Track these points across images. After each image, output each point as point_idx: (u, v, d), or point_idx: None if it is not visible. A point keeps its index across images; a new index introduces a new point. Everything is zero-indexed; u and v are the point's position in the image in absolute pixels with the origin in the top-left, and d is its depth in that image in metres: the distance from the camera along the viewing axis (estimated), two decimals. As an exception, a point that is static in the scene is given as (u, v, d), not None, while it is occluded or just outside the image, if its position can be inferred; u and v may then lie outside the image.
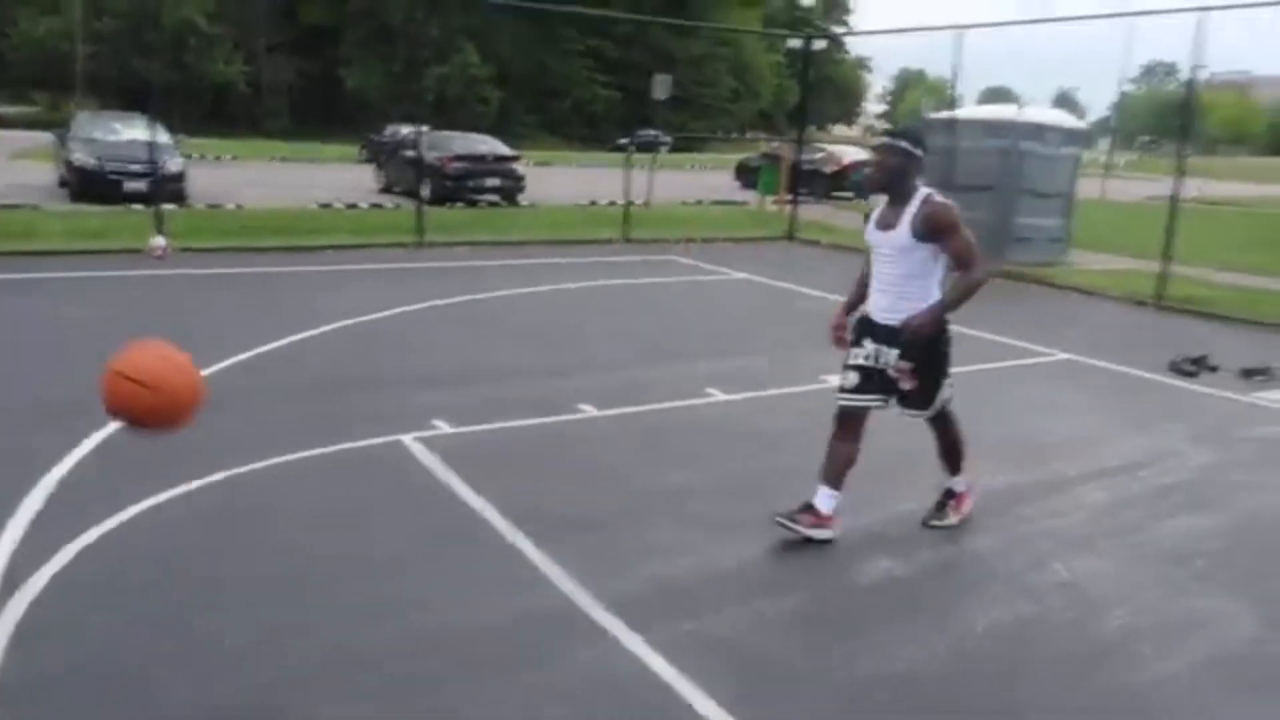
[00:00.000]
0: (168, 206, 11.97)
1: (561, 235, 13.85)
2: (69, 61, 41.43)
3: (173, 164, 14.84)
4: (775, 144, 26.39)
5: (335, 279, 9.83)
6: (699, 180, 27.61)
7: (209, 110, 44.59)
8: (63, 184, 16.28)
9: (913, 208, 3.75)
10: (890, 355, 3.85)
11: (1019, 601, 3.59)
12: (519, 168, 19.00)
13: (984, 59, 14.72)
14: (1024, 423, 5.89)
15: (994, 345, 7.85)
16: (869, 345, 3.90)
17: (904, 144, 3.77)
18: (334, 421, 5.13)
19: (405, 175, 17.62)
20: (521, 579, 3.54)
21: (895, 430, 4.24)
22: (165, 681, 2.82)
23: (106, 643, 2.99)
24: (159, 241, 10.48)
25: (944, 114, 13.55)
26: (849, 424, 3.95)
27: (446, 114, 38.80)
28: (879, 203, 3.94)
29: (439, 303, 8.56)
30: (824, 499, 3.92)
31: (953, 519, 4.18)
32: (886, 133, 3.90)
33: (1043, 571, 3.83)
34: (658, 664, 3.02)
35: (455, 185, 17.60)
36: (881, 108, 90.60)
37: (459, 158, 18.01)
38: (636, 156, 16.19)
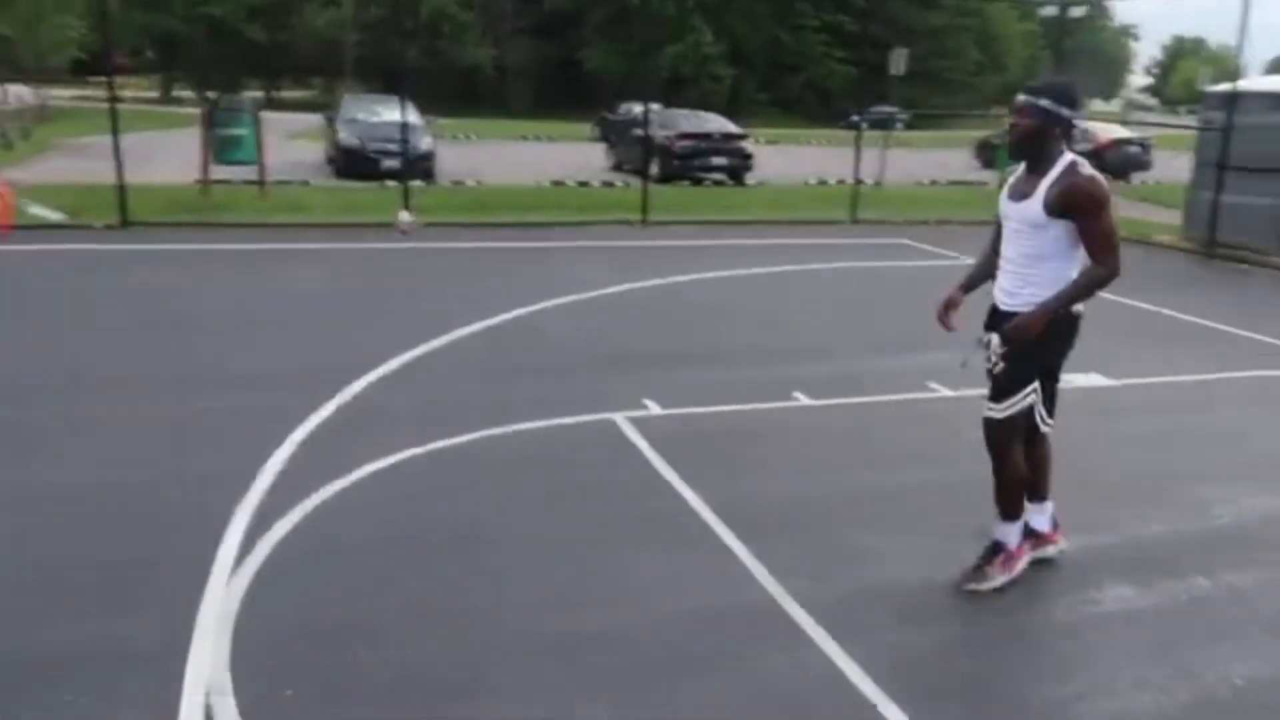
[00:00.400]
0: (416, 183, 12.77)
1: (787, 215, 13.60)
2: (341, 49, 45.34)
3: (424, 143, 15.86)
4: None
5: (563, 255, 10.13)
6: (935, 159, 26.32)
7: (458, 92, 47.43)
8: (330, 161, 17.82)
9: (1051, 176, 3.17)
10: (995, 340, 3.33)
11: (1288, 651, 3.12)
12: (747, 146, 18.84)
13: (1275, 24, 13.00)
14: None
15: (1272, 349, 6.94)
16: (994, 343, 3.32)
17: (1044, 102, 3.15)
18: (549, 396, 5.26)
19: (634, 153, 17.92)
20: (724, 573, 3.47)
21: (1139, 444, 3.80)
22: (371, 639, 2.97)
23: (328, 596, 3.20)
24: (406, 216, 11.22)
25: (1224, 86, 12.10)
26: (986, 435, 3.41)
27: (679, 92, 39.25)
28: (1017, 169, 3.37)
29: (659, 281, 8.61)
30: (1008, 533, 3.45)
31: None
32: (1026, 88, 3.23)
33: (1321, 618, 3.32)
34: (855, 674, 2.86)
35: (682, 164, 17.71)
36: (1147, 80, 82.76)
37: (686, 136, 18.10)
38: (869, 134, 15.62)
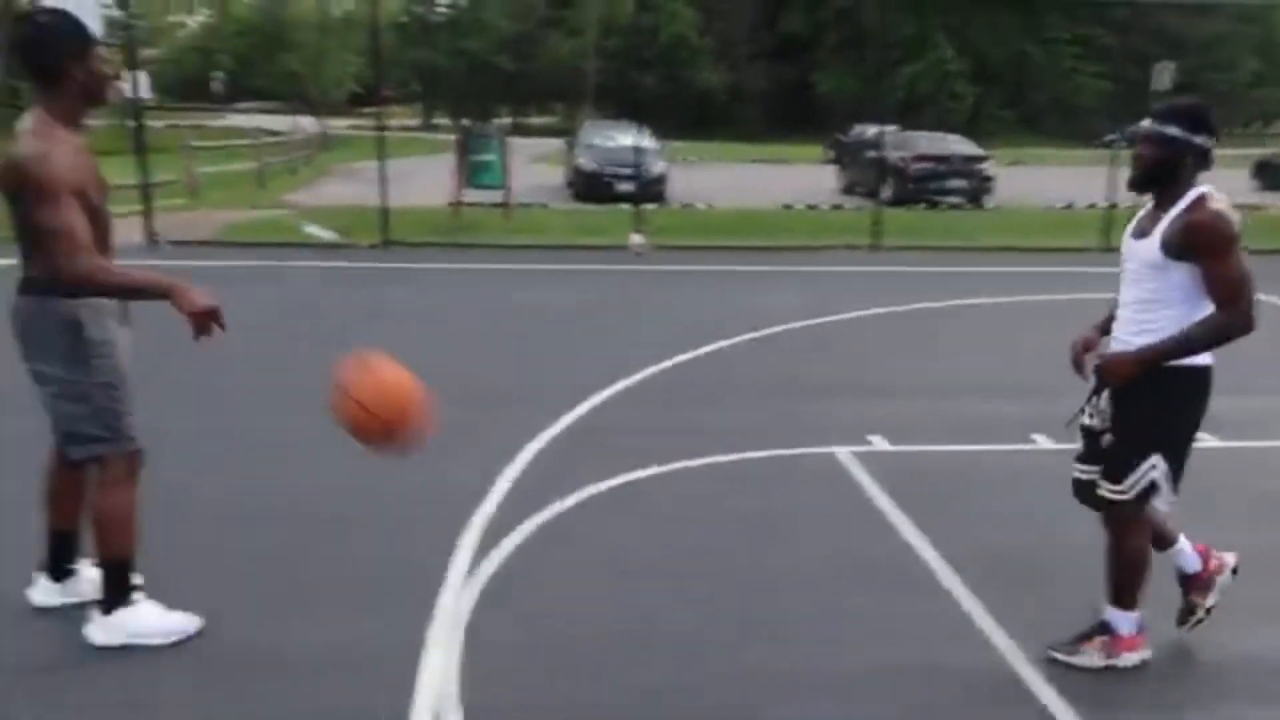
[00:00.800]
0: (649, 206, 13.13)
1: (1030, 242, 12.83)
2: (583, 76, 47.47)
3: (657, 167, 16.30)
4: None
5: (791, 280, 10.06)
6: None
7: (692, 116, 48.37)
8: (568, 184, 18.67)
9: (1175, 212, 2.76)
10: (1104, 399, 2.93)
11: None
12: (987, 168, 18.00)
13: None
14: None
15: None
16: (1101, 398, 2.96)
17: (1172, 130, 2.74)
18: (770, 425, 5.23)
19: (866, 176, 17.54)
20: (948, 624, 3.29)
21: None
22: (591, 663, 3.04)
23: (552, 614, 3.31)
24: (638, 238, 11.55)
25: None
26: (1101, 510, 2.98)
27: (915, 112, 38.06)
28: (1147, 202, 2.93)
29: (889, 309, 8.36)
30: (1119, 619, 2.99)
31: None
32: (1152, 113, 2.81)
33: None
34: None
35: (917, 186, 17.17)
36: None
37: (923, 158, 17.54)
38: (1125, 154, 14.46)
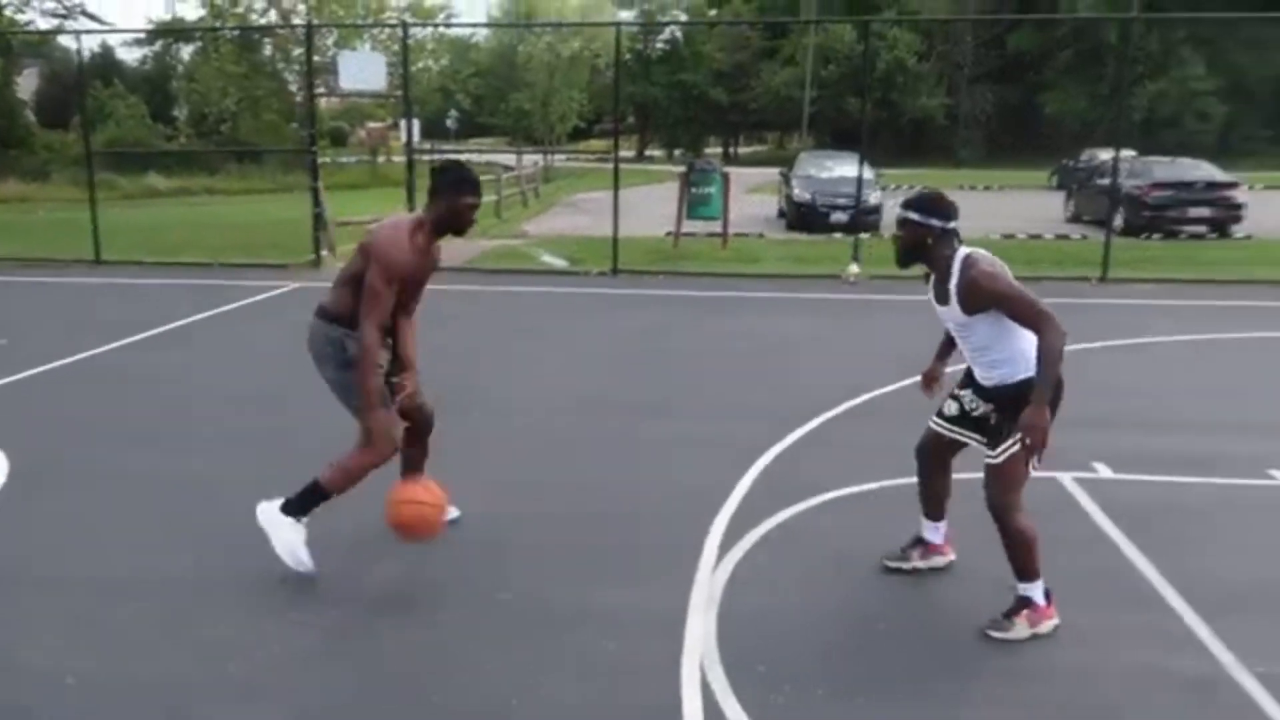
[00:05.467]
0: (863, 236, 13.32)
1: (1278, 275, 12.00)
2: (797, 105, 47.78)
3: (872, 197, 16.40)
4: None
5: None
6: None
7: (908, 142, 47.55)
8: (780, 214, 19.06)
9: (954, 280, 3.36)
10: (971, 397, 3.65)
11: None
12: (1237, 195, 16.78)
13: None
14: None
15: None
16: (969, 393, 3.66)
17: (913, 215, 3.39)
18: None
19: (1096, 204, 16.84)
20: (1176, 643, 3.43)
21: None
22: (817, 644, 3.44)
23: (786, 602, 3.72)
24: (853, 269, 11.78)
25: None
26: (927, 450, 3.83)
27: (1154, 135, 35.65)
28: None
29: (1113, 342, 8.20)
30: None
31: (1023, 631, 3.43)
32: (901, 203, 3.46)
33: None
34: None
35: (1154, 215, 16.32)
36: None
37: (1161, 185, 16.62)
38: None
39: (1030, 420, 3.21)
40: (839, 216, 16.49)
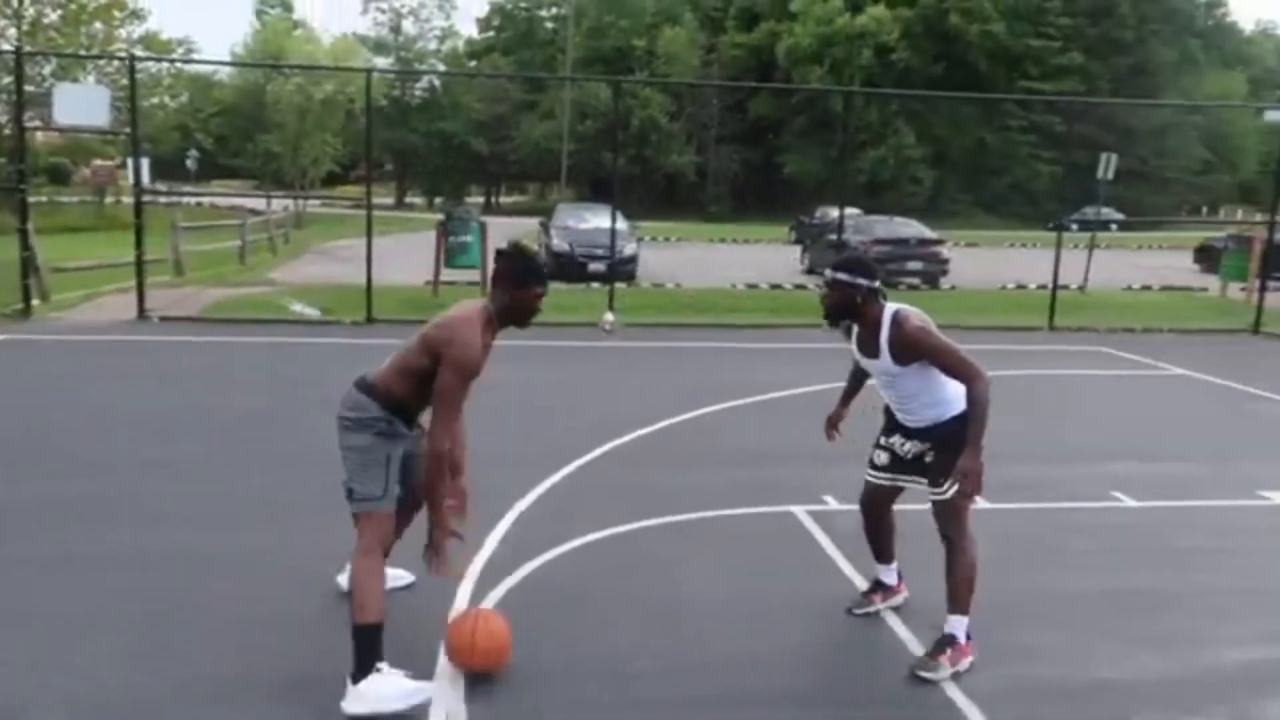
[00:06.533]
0: (619, 285, 13.76)
1: (981, 321, 13.54)
2: (556, 157, 48.82)
3: (628, 248, 17.01)
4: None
5: (755, 356, 10.64)
6: (1151, 262, 25.19)
7: (661, 196, 49.75)
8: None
9: (884, 334, 3.60)
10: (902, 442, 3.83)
11: None
12: (943, 251, 18.90)
13: None
14: None
15: None
16: (898, 438, 3.83)
17: (842, 276, 3.60)
18: (734, 487, 5.71)
19: (828, 257, 18.25)
20: (884, 650, 3.76)
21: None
22: (561, 687, 3.48)
23: (538, 644, 3.74)
24: (609, 317, 12.12)
25: None
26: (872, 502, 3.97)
27: (877, 195, 39.46)
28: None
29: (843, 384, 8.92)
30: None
31: (945, 672, 3.56)
32: (830, 264, 3.69)
33: None
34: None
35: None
36: None
37: (881, 240, 18.38)
38: (1070, 236, 15.37)
39: (967, 466, 3.41)
40: (596, 266, 16.93)
